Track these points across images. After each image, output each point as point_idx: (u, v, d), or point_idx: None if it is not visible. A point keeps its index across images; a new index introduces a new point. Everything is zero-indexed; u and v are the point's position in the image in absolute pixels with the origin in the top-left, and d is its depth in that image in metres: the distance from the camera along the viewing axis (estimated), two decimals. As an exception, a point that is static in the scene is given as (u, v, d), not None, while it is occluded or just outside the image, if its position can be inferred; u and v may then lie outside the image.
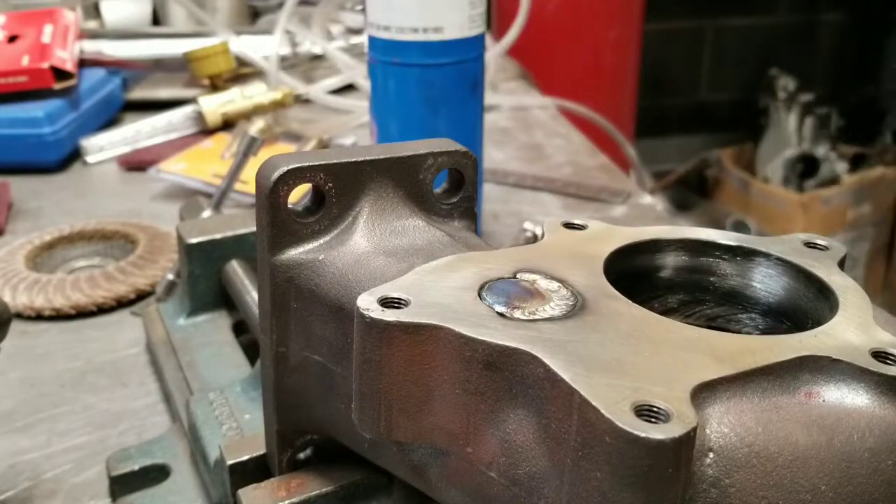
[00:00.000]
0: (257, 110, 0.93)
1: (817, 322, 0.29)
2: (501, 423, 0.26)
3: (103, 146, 0.94)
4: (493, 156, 0.97)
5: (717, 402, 0.24)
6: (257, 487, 0.36)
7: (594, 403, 0.22)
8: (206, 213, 0.63)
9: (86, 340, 0.60)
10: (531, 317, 0.27)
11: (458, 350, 0.26)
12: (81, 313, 0.63)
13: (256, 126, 0.69)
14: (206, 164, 0.86)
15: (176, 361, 0.53)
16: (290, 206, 0.32)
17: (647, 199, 0.87)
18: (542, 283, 0.29)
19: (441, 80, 0.68)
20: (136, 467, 0.45)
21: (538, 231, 0.74)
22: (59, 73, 0.92)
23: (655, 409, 0.22)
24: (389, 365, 0.27)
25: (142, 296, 0.65)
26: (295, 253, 0.32)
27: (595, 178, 0.91)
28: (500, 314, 0.27)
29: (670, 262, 0.34)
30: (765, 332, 0.33)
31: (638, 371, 0.24)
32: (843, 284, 0.30)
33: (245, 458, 0.37)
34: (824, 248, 0.33)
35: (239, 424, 0.42)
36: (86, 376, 0.56)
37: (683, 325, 0.27)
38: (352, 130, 1.00)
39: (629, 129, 2.07)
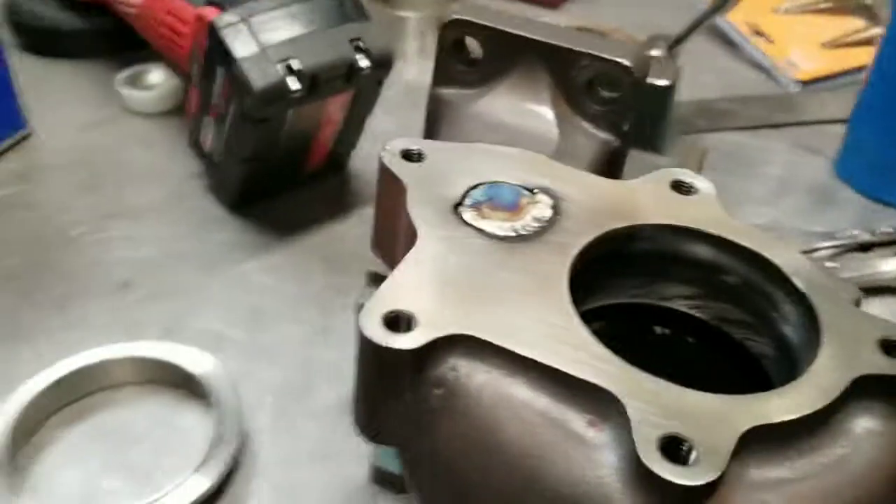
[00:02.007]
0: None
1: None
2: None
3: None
4: None
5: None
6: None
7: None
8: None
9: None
10: (474, 222, 0.30)
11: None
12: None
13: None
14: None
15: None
16: (452, 52, 0.37)
17: None
18: (538, 209, 0.30)
19: None
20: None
21: None
22: None
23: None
24: (380, 197, 0.33)
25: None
26: (445, 91, 0.38)
27: None
28: (455, 207, 0.30)
29: (726, 263, 0.31)
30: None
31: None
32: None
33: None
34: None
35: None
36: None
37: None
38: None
39: None
